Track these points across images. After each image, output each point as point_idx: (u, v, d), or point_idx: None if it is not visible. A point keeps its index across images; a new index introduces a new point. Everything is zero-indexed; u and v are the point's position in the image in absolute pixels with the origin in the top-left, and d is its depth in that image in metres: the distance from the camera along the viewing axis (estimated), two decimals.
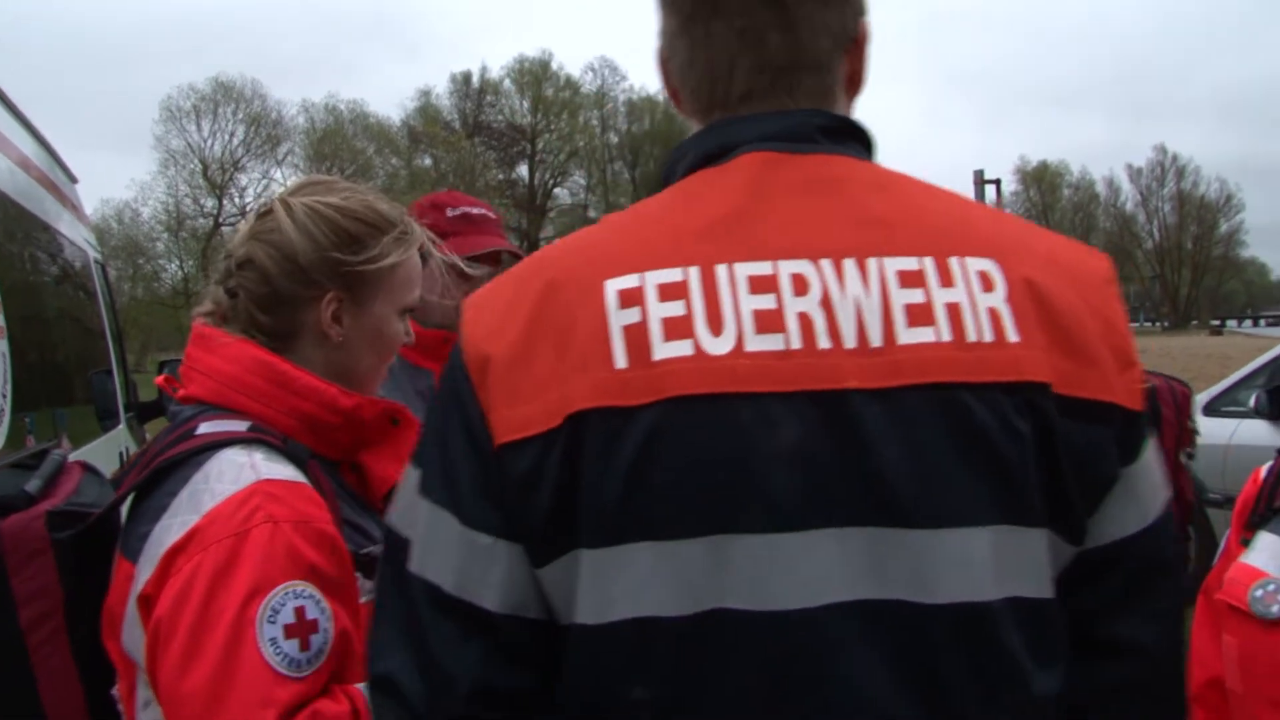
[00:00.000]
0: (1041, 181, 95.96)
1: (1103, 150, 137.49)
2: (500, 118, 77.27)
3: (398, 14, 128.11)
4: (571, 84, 77.68)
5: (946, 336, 1.20)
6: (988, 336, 1.21)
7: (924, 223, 1.28)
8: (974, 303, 1.22)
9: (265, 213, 1.90)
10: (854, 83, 1.42)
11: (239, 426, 1.75)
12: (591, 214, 78.67)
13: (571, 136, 77.28)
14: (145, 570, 1.62)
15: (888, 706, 1.16)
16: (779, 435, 1.16)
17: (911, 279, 1.23)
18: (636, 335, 1.19)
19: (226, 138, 62.47)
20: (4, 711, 1.72)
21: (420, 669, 1.24)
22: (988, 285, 1.24)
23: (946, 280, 1.23)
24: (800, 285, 1.22)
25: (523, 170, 77.62)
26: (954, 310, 1.21)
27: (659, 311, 1.20)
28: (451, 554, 1.24)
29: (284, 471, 1.70)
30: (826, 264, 1.23)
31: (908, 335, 1.20)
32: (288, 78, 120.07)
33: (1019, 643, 1.19)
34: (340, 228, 1.85)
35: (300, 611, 1.58)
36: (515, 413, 1.21)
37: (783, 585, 1.16)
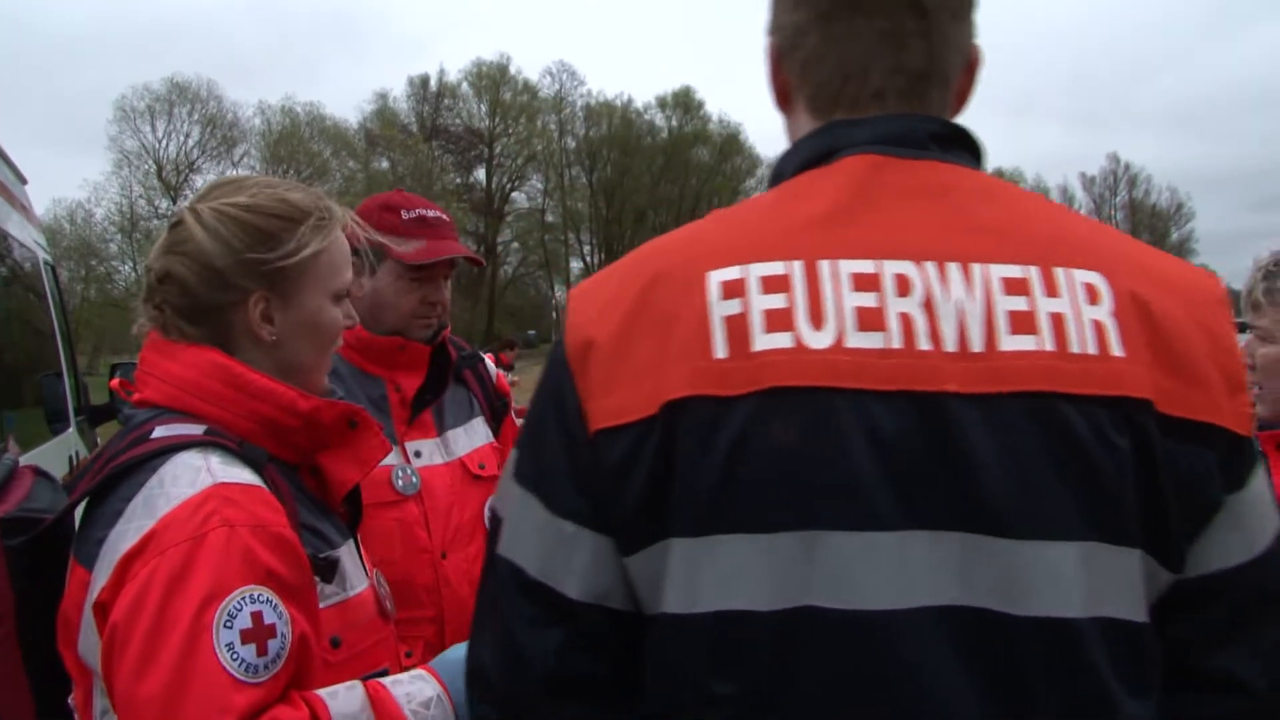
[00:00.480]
0: None
1: (1057, 159, 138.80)
2: (458, 121, 76.64)
3: (355, 16, 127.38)
4: (529, 88, 77.13)
5: (1049, 346, 1.20)
6: (1091, 349, 1.20)
7: (1031, 232, 1.29)
8: (1078, 314, 1.22)
9: (176, 223, 1.88)
10: (960, 101, 1.44)
11: (194, 430, 1.73)
12: (549, 218, 78.47)
13: (529, 141, 76.69)
14: (101, 576, 1.60)
15: (967, 715, 1.16)
16: (875, 433, 1.17)
17: (1016, 286, 1.23)
18: (737, 326, 1.21)
19: (181, 139, 61.62)
20: None
21: (501, 649, 1.28)
22: (1093, 297, 1.23)
23: (1051, 290, 1.23)
24: (903, 285, 1.22)
25: (480, 174, 77.02)
26: (1058, 320, 1.21)
27: (760, 303, 1.21)
28: (536, 539, 1.28)
29: (241, 475, 1.69)
30: (930, 266, 1.23)
31: (1010, 342, 1.20)
32: (244, 79, 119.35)
33: (1107, 665, 1.18)
34: (252, 226, 1.83)
35: (257, 616, 1.56)
36: (612, 400, 1.23)
37: (872, 585, 1.16)
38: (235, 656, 1.53)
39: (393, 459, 2.76)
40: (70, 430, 6.76)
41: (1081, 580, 1.17)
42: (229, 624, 1.54)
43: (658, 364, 1.22)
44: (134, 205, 57.92)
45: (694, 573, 1.20)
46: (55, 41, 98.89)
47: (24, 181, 7.19)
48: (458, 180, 74.62)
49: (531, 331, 51.99)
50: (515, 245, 78.11)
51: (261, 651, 1.56)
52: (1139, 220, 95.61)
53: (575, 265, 79.26)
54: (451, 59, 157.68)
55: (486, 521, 2.88)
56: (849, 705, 1.16)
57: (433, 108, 75.94)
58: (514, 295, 78.27)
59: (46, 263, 7.58)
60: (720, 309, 1.22)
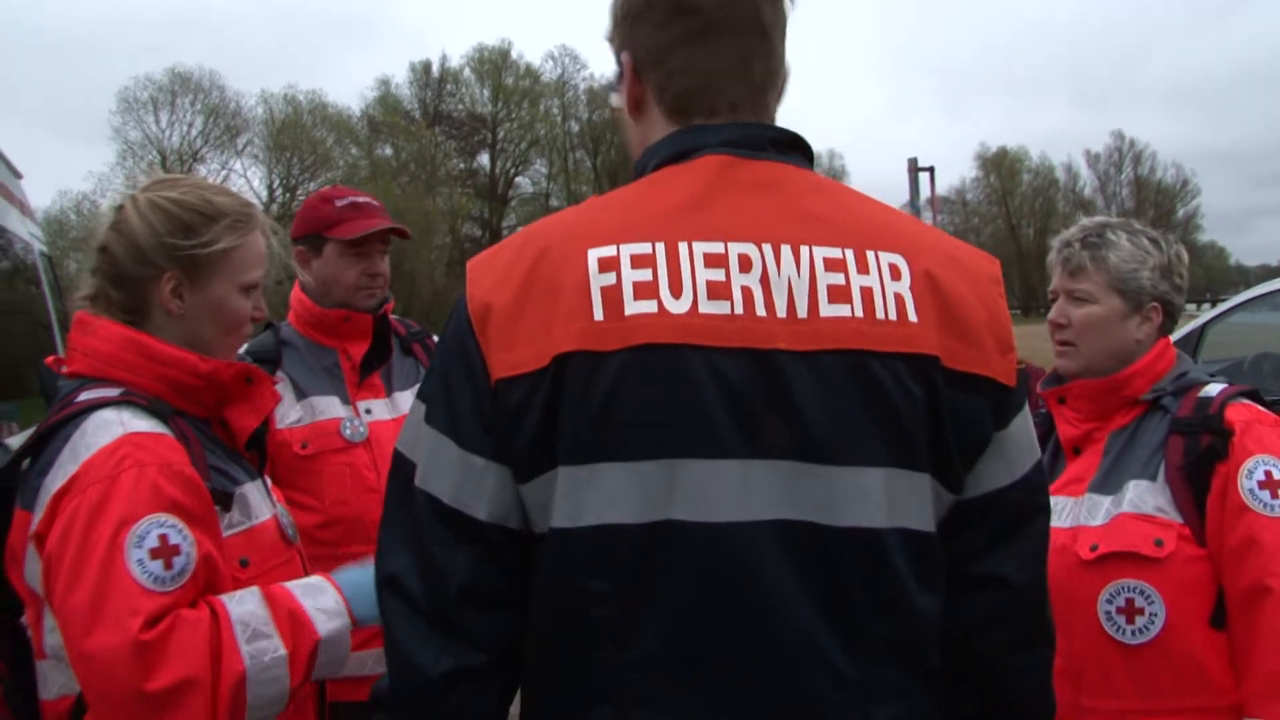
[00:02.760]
0: (1001, 167, 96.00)
1: (1062, 136, 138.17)
2: (460, 107, 76.79)
3: (356, 3, 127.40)
4: (532, 72, 77.25)
5: (859, 313, 1.50)
6: (893, 316, 1.50)
7: (849, 221, 1.58)
8: (884, 288, 1.52)
9: (119, 207, 2.20)
10: (779, 98, 1.72)
11: (112, 393, 2.05)
12: (554, 203, 78.24)
13: (532, 125, 76.87)
14: (38, 513, 1.92)
15: (795, 605, 1.46)
16: (722, 381, 1.45)
17: (835, 265, 1.52)
18: (612, 294, 1.47)
19: (185, 129, 62.13)
20: None
21: (420, 568, 1.54)
22: (896, 275, 1.53)
23: (863, 268, 1.52)
24: (745, 263, 1.50)
25: (484, 159, 77.25)
26: (867, 293, 1.51)
27: (631, 276, 1.48)
28: (450, 472, 1.54)
29: (149, 425, 2.01)
30: (767, 248, 1.52)
31: (828, 310, 1.49)
32: (248, 70, 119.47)
33: (905, 565, 1.50)
34: (174, 217, 2.14)
35: (163, 539, 1.87)
36: (511, 355, 1.49)
37: (720, 502, 1.45)
38: (145, 570, 1.84)
39: (343, 413, 3.23)
40: None
41: (884, 498, 1.48)
42: (139, 544, 1.85)
43: (547, 325, 1.48)
44: None
45: (578, 494, 1.47)
46: (61, 35, 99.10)
47: (19, 176, 7.41)
48: (461, 166, 74.83)
49: None
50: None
51: (168, 566, 1.87)
52: (1144, 197, 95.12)
53: None
54: (454, 44, 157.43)
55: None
56: (702, 597, 1.46)
57: (435, 93, 76.12)
58: None
59: (43, 254, 7.80)
60: (598, 280, 1.48)
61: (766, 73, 1.64)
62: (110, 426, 1.97)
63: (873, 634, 1.49)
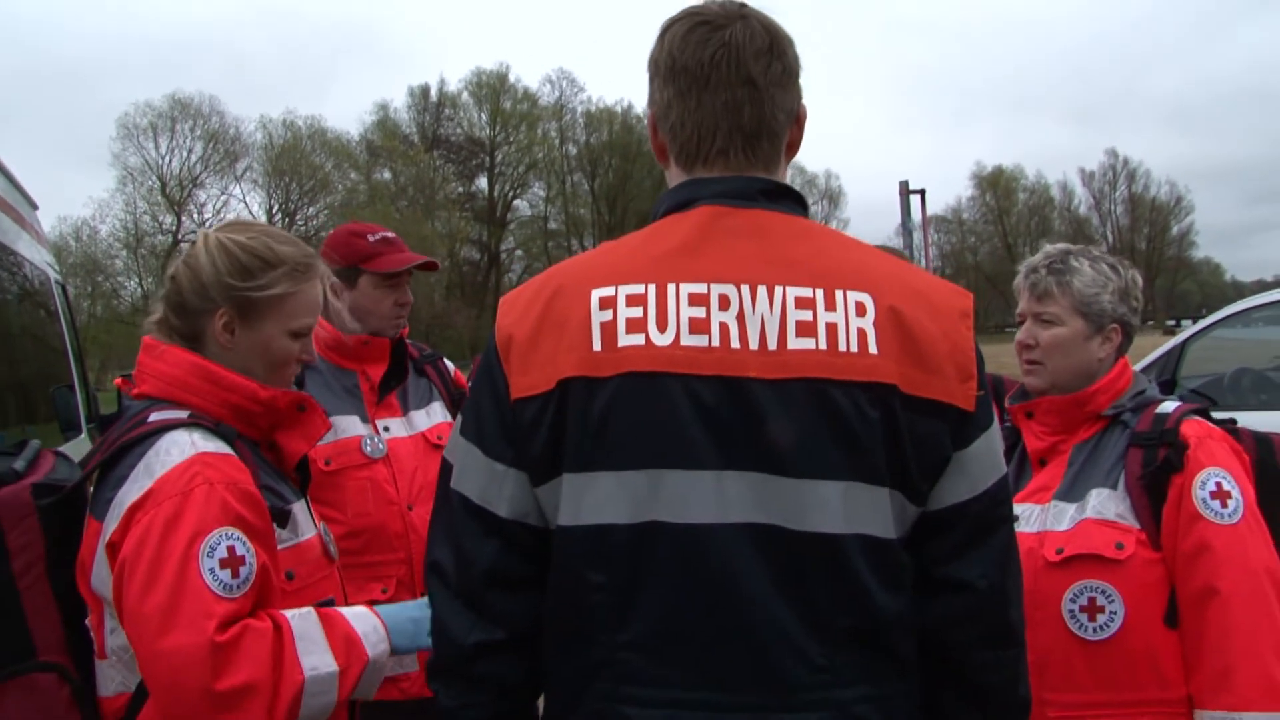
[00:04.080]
0: (997, 186, 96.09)
1: (1058, 153, 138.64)
2: (459, 131, 77.05)
3: (354, 29, 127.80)
4: (529, 96, 77.52)
5: (823, 346, 1.68)
6: (854, 348, 1.68)
7: (824, 263, 1.76)
8: (848, 324, 1.70)
9: (194, 242, 2.39)
10: (792, 148, 1.92)
11: (181, 415, 2.23)
12: (552, 225, 78.55)
13: (530, 148, 77.07)
14: (111, 524, 2.09)
15: (766, 597, 1.66)
16: (699, 404, 1.67)
17: (805, 303, 1.71)
18: (608, 329, 1.70)
19: (184, 154, 62.13)
20: (0, 637, 2.15)
21: (455, 556, 1.81)
22: (861, 311, 1.71)
23: (831, 306, 1.71)
24: (724, 302, 1.71)
25: (482, 183, 77.51)
26: (832, 328, 1.69)
27: (625, 313, 1.71)
28: (477, 476, 1.80)
29: (217, 446, 2.19)
30: (745, 288, 1.72)
31: (795, 343, 1.69)
32: (249, 95, 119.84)
33: (863, 567, 1.68)
34: (236, 259, 2.33)
35: (231, 549, 2.05)
36: (525, 378, 1.74)
37: (698, 506, 1.66)
38: (216, 578, 2.01)
39: (363, 431, 3.48)
40: (82, 436, 7.10)
41: (843, 507, 1.67)
42: (210, 554, 2.02)
43: (555, 354, 1.72)
44: (138, 221, 58.33)
45: (578, 497, 1.70)
46: (62, 62, 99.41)
47: (35, 207, 7.60)
48: (460, 189, 74.94)
49: None
50: (519, 253, 78.34)
51: (235, 575, 2.03)
52: (1139, 214, 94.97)
53: None
54: (452, 69, 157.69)
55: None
56: (684, 587, 1.67)
57: (434, 118, 76.32)
58: None
59: (57, 282, 7.96)
60: (598, 316, 1.71)
61: (759, 120, 1.80)
62: (183, 446, 2.13)
63: (837, 625, 1.68)
